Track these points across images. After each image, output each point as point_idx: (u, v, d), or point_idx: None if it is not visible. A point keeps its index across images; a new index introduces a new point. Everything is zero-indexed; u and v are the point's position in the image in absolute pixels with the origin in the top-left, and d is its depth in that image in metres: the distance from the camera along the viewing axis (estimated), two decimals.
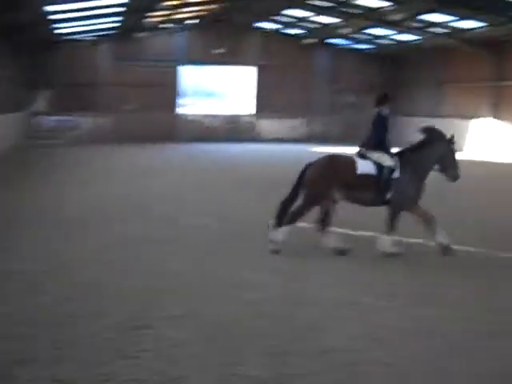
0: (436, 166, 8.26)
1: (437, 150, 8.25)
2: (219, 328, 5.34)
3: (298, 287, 6.60)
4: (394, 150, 8.34)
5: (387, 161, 8.12)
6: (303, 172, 8.28)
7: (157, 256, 7.81)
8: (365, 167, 8.08)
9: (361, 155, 8.32)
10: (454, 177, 8.30)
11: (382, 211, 8.18)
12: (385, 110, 8.38)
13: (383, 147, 8.23)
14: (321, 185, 8.11)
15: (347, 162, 8.21)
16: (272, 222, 8.16)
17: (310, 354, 4.82)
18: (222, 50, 31.64)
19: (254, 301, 6.07)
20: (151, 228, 9.56)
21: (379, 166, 8.08)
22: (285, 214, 8.15)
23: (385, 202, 8.14)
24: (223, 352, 4.84)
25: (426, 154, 8.23)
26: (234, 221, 10.34)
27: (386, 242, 8.05)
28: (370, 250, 8.17)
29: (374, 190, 8.07)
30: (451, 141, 8.32)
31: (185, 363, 4.62)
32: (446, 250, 7.85)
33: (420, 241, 8.70)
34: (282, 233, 8.06)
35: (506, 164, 21.63)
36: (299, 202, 8.22)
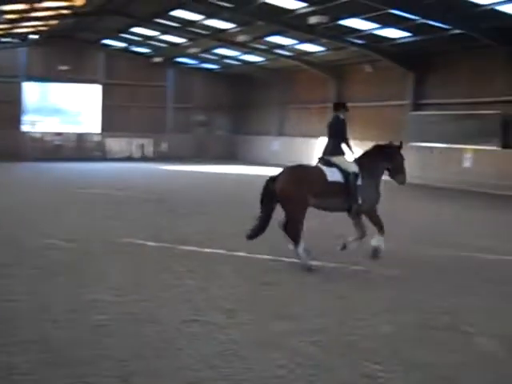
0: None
1: (388, 156, 8.72)
2: (63, 351, 5.09)
3: (142, 306, 6.45)
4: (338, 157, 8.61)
5: (352, 167, 8.39)
6: (267, 186, 8.27)
7: None
8: (334, 174, 8.30)
9: (325, 162, 8.51)
10: (402, 181, 8.91)
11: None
12: (341, 115, 8.78)
13: (341, 151, 8.54)
14: (298, 193, 8.08)
15: (315, 171, 8.40)
16: (292, 245, 8.17)
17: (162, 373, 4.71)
18: (65, 67, 30.77)
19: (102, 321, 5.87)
20: None
21: (345, 173, 8.32)
22: (262, 231, 8.23)
23: (350, 208, 8.44)
24: (70, 375, 4.61)
25: (378, 161, 8.68)
26: (81, 240, 9.98)
27: (380, 241, 8.45)
28: (211, 267, 8.21)
29: (343, 195, 8.30)
30: (400, 147, 8.87)
31: None
32: (375, 254, 8.44)
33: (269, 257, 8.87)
34: (302, 252, 8.06)
35: None
36: (285, 220, 8.29)
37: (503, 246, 10.28)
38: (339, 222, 10.16)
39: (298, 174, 8.40)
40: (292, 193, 8.10)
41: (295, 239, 8.11)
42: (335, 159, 8.50)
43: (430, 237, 11.06)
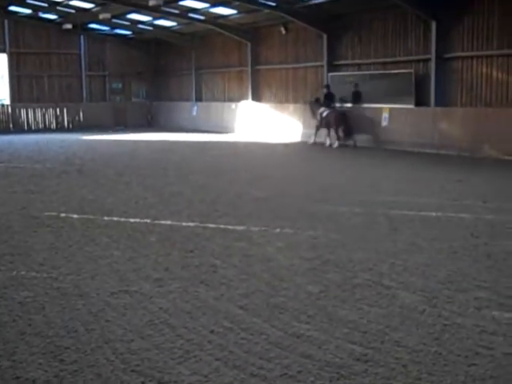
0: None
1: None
2: None
3: (68, 280, 6.39)
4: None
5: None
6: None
7: None
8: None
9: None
10: None
11: None
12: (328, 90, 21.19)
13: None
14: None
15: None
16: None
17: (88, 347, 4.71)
18: None
19: (26, 298, 5.78)
20: None
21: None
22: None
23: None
24: None
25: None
26: (0, 215, 9.73)
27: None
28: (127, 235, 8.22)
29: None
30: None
31: None
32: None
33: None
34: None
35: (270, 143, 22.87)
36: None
37: (416, 201, 10.66)
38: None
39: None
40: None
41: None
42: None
43: (352, 196, 11.34)
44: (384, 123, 20.45)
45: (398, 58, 20.73)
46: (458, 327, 5.01)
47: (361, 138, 20.68)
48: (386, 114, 20.41)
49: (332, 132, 20.96)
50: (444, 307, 5.46)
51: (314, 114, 21.93)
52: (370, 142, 20.70)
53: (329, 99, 21.60)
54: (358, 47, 22.30)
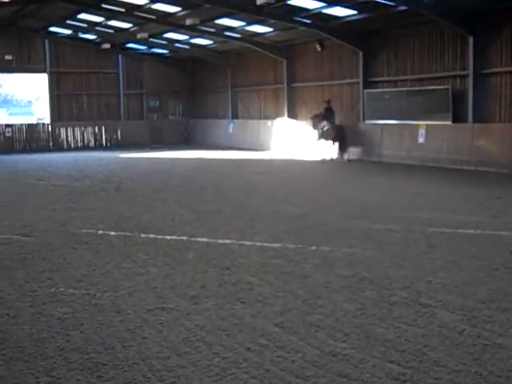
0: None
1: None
2: (26, 346, 5.07)
3: (106, 296, 6.45)
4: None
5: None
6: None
7: None
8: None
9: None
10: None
11: None
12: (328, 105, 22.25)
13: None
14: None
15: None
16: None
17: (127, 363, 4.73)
18: (10, 57, 30.09)
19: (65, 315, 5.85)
20: None
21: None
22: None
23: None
24: (35, 370, 4.60)
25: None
26: (40, 232, 9.87)
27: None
28: (180, 254, 8.26)
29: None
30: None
31: None
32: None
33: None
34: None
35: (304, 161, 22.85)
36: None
37: (455, 219, 10.52)
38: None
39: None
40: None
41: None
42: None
43: (388, 213, 11.24)
44: (420, 140, 20.28)
45: (435, 74, 20.56)
46: (499, 347, 4.91)
47: (396, 154, 20.54)
48: (422, 131, 20.24)
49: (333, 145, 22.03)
50: (484, 327, 5.37)
51: (315, 127, 22.89)
52: (405, 158, 20.54)
53: (329, 114, 22.60)
54: (394, 63, 22.19)
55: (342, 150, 21.78)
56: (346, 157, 21.60)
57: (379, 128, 22.04)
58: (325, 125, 22.18)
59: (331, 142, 21.85)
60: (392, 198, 13.25)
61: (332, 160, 21.77)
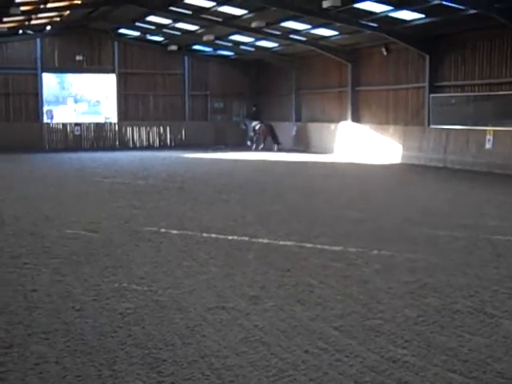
0: None
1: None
2: (89, 339, 5.18)
3: (167, 294, 6.53)
4: None
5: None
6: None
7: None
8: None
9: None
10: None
11: None
12: (256, 109, 26.19)
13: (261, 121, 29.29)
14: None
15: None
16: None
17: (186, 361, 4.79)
18: (81, 58, 30.91)
19: (127, 310, 5.97)
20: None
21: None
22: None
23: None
24: (97, 363, 4.70)
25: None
26: (104, 229, 10.09)
27: None
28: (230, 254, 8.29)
29: None
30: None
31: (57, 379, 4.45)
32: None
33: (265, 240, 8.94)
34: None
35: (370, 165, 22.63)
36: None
37: None
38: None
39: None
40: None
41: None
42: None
43: (452, 219, 11.03)
44: (487, 146, 19.80)
45: (504, 79, 20.05)
46: None
47: (462, 160, 20.17)
48: (489, 137, 19.76)
49: (261, 139, 29.55)
50: None
51: (246, 127, 30.75)
52: (471, 164, 20.10)
53: (257, 115, 30.81)
54: (462, 68, 21.75)
55: (275, 142, 29.20)
56: (275, 148, 28.85)
57: (444, 133, 21.63)
58: (256, 124, 29.62)
59: (263, 136, 29.42)
60: (456, 205, 12.98)
61: (262, 149, 29.01)
